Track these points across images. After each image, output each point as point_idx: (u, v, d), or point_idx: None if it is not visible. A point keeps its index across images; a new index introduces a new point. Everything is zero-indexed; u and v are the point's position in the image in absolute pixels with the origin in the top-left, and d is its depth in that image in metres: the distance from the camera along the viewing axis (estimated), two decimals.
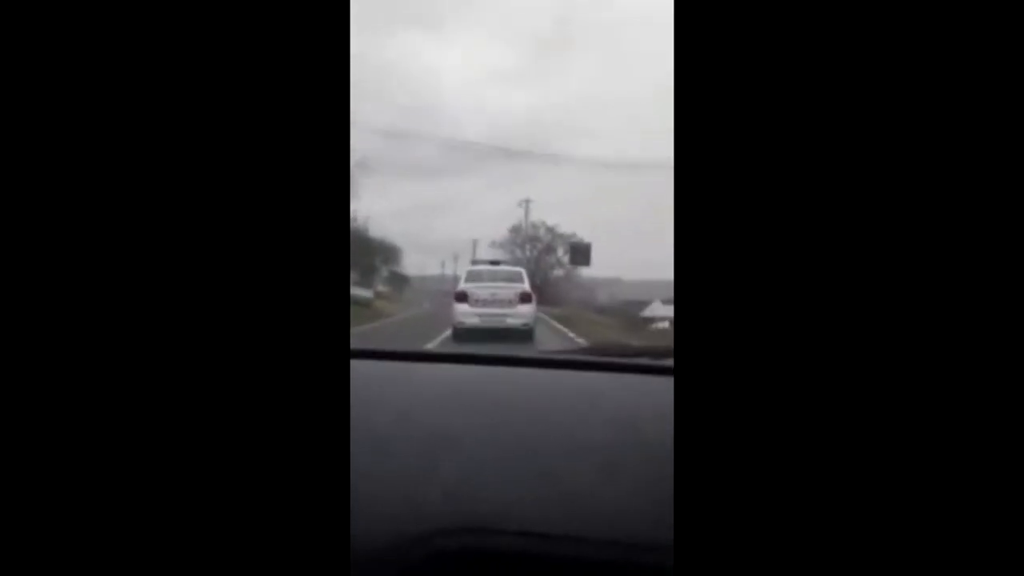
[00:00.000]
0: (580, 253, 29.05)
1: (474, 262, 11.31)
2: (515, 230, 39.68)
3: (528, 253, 37.31)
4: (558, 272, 37.69)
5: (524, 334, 9.93)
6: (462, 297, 10.17)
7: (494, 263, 11.37)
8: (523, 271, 11.34)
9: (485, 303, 10.01)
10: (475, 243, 41.82)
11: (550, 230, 39.22)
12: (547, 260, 38.01)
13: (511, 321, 9.92)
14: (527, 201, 38.89)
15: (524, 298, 10.19)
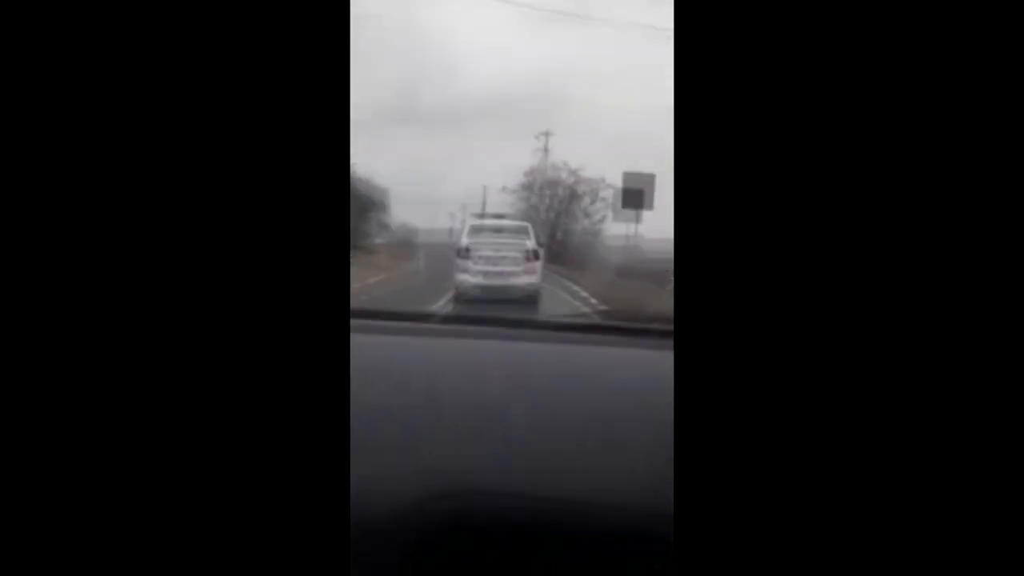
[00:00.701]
0: (634, 194, 16.52)
1: (478, 216, 10.59)
2: (531, 173, 30.27)
3: (548, 202, 28.64)
4: (585, 225, 30.02)
5: (530, 295, 9.17)
6: (464, 253, 9.45)
7: (498, 217, 10.64)
8: (529, 226, 10.61)
9: (488, 260, 9.27)
10: (484, 190, 34.61)
11: (574, 173, 29.45)
12: (571, 210, 30.12)
13: (517, 281, 9.16)
14: (546, 135, 29.37)
15: (531, 255, 9.44)
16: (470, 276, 9.20)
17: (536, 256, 9.52)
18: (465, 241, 9.78)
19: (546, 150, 29.16)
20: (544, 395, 0.82)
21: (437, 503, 0.60)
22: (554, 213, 28.58)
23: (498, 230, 10.12)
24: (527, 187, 30.84)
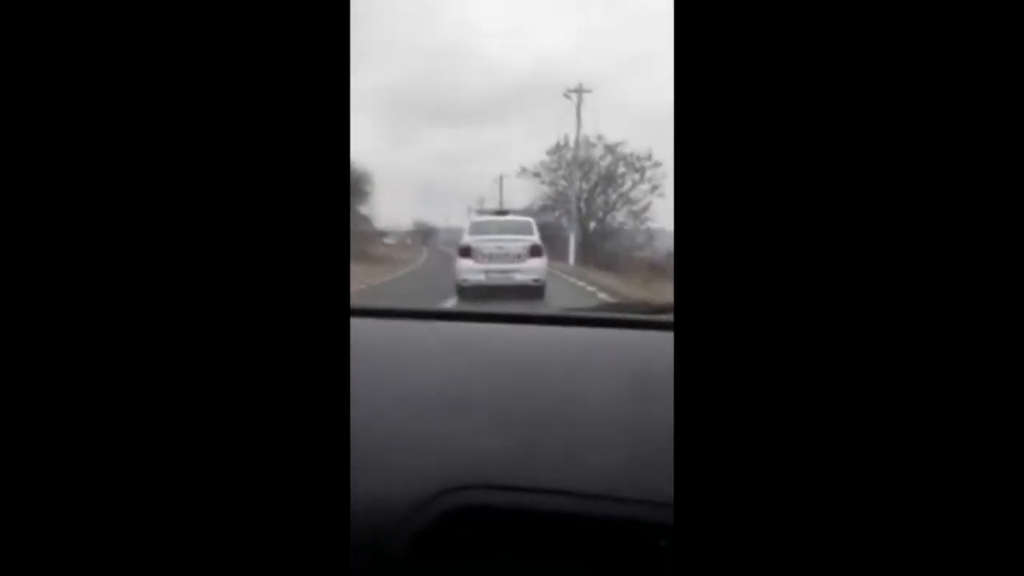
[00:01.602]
0: None
1: (479, 212, 10.42)
2: (558, 150, 24.18)
3: (579, 184, 23.02)
4: (620, 216, 23.64)
5: (534, 291, 9.07)
6: (466, 252, 9.31)
7: (501, 213, 10.49)
8: (532, 222, 10.43)
9: (491, 258, 9.14)
10: (501, 179, 31.13)
11: (610, 149, 23.87)
12: (607, 196, 24.01)
13: (520, 277, 9.04)
14: (579, 92, 22.18)
15: (534, 251, 9.27)
16: (472, 275, 9.09)
17: (539, 252, 9.37)
18: (466, 239, 9.63)
19: (578, 117, 22.33)
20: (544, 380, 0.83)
21: (440, 498, 0.61)
22: (583, 201, 23.41)
23: (500, 227, 9.92)
24: (551, 168, 24.68)
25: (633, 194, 24.03)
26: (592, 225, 23.40)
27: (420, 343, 1.02)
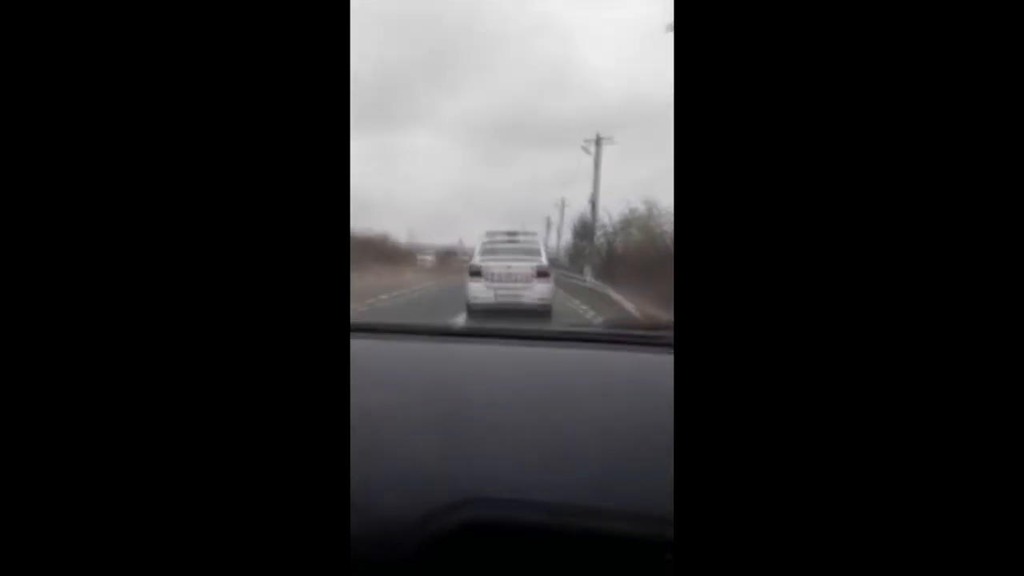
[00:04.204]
0: None
1: (489, 234, 10.61)
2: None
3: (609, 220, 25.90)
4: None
5: (541, 312, 9.32)
6: (476, 273, 9.58)
7: (511, 235, 10.68)
8: (541, 244, 10.66)
9: (500, 279, 9.43)
10: (563, 202, 37.59)
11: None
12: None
13: (527, 298, 9.32)
14: (597, 141, 24.94)
15: (541, 274, 9.53)
16: (481, 296, 9.38)
17: (547, 275, 9.61)
18: (476, 260, 9.87)
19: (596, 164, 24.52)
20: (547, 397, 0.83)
21: (445, 514, 0.60)
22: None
23: (510, 249, 10.15)
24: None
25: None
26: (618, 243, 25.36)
27: (424, 361, 1.03)
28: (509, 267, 9.51)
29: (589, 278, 20.56)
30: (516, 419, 0.77)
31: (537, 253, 10.05)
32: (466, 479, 0.65)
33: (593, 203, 25.28)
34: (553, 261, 9.92)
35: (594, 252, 24.09)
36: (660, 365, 0.94)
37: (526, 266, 9.54)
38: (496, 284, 9.40)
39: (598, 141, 25.20)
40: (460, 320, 8.34)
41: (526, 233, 11.05)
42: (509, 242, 10.36)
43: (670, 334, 1.11)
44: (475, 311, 9.39)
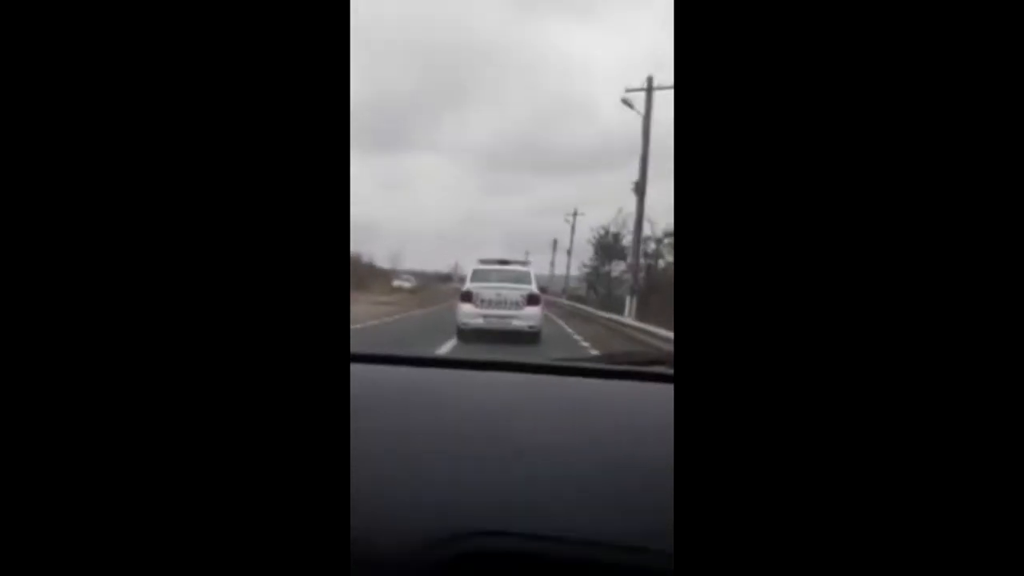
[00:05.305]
0: None
1: (481, 261, 10.93)
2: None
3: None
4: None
5: (530, 336, 9.64)
6: (467, 297, 9.86)
7: (502, 263, 11.01)
8: (531, 271, 10.99)
9: (490, 304, 9.69)
10: (575, 213, 36.48)
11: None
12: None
13: (517, 323, 9.60)
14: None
15: (531, 300, 9.81)
16: (472, 319, 9.63)
17: (536, 301, 9.87)
18: (468, 285, 10.10)
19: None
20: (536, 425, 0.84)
21: (444, 545, 0.60)
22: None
23: (501, 276, 10.35)
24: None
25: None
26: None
27: (417, 390, 1.02)
28: (499, 293, 9.78)
29: (630, 316, 15.04)
30: (516, 449, 0.76)
31: (527, 280, 10.36)
32: (466, 510, 0.64)
33: (641, 189, 15.89)
34: (554, 291, 9.90)
35: (638, 277, 17.47)
36: (660, 397, 0.95)
37: (516, 293, 9.82)
38: (485, 309, 9.66)
39: (650, 86, 15.41)
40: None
41: (517, 262, 11.38)
42: (500, 270, 10.68)
43: (661, 368, 1.14)
44: (465, 333, 9.67)
